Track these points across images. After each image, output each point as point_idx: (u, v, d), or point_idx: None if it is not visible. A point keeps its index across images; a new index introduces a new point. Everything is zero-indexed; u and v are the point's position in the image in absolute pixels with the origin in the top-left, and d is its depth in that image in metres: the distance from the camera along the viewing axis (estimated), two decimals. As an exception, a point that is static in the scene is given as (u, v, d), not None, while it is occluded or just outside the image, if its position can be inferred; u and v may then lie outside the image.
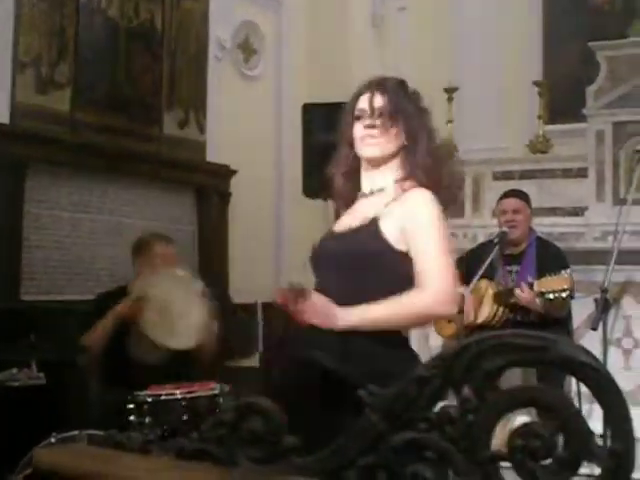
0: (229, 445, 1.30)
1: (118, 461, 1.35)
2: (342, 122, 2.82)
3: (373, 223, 2.64)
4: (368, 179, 2.77)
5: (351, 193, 2.82)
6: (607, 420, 1.14)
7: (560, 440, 1.16)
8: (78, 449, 1.54)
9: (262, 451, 1.29)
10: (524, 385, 1.17)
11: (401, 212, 2.62)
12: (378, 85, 2.73)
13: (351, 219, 2.73)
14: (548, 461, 1.16)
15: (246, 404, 1.30)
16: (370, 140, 2.69)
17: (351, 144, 2.77)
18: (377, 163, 2.74)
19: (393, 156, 2.73)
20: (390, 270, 2.63)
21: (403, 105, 2.69)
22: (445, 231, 2.66)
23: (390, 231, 2.61)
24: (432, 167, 2.69)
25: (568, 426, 1.15)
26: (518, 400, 1.18)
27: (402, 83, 2.78)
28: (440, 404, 1.23)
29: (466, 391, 1.18)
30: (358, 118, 2.73)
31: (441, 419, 1.19)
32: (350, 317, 2.49)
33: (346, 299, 2.55)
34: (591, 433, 1.15)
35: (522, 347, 1.15)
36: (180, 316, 4.31)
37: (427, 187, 2.65)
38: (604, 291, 4.45)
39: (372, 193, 2.74)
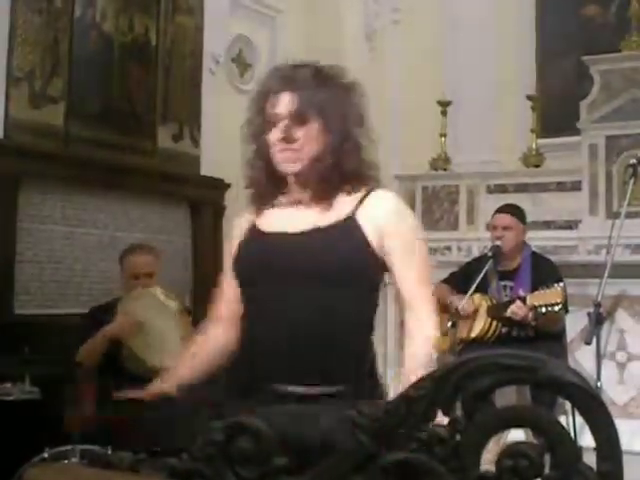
0: (219, 465, 1.30)
1: (108, 481, 1.35)
2: (250, 119, 2.47)
3: (351, 222, 2.34)
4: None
5: (273, 192, 2.48)
6: (595, 440, 1.14)
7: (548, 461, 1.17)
8: (68, 469, 1.53)
9: (252, 471, 1.29)
10: (512, 405, 1.17)
11: (376, 214, 2.35)
12: (289, 82, 2.36)
13: (299, 219, 2.38)
14: (537, 481, 1.16)
15: (236, 423, 1.30)
16: (290, 155, 2.36)
17: (265, 149, 2.42)
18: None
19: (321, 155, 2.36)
20: (368, 283, 2.39)
21: (323, 103, 2.33)
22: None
23: (370, 234, 2.33)
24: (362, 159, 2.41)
25: (556, 446, 1.15)
26: (506, 420, 1.18)
27: (316, 71, 2.40)
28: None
29: (455, 411, 1.18)
30: (272, 123, 2.36)
31: (430, 439, 1.19)
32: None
33: (306, 325, 2.26)
34: (579, 454, 1.15)
35: (511, 367, 1.15)
36: (158, 335, 4.36)
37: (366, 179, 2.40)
38: (597, 305, 4.45)
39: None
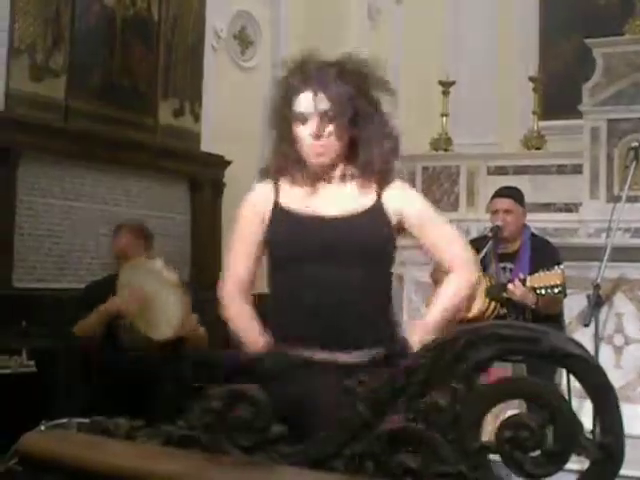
0: (217, 433, 1.30)
1: (104, 447, 1.34)
2: (276, 108, 2.62)
3: (379, 209, 2.58)
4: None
5: (296, 174, 2.62)
6: (597, 413, 1.13)
7: (549, 433, 1.16)
8: (64, 435, 1.53)
9: (250, 439, 1.29)
10: (514, 377, 1.16)
11: (396, 200, 2.58)
12: (317, 81, 2.52)
13: (329, 203, 2.58)
14: (537, 453, 1.16)
15: (234, 392, 1.29)
16: (318, 150, 2.53)
17: (293, 139, 2.58)
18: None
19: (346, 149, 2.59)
20: (390, 262, 2.64)
21: (349, 102, 2.51)
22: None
23: (392, 218, 2.59)
24: (387, 150, 2.61)
25: (557, 418, 1.14)
26: (507, 391, 1.18)
27: (341, 67, 2.55)
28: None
29: (455, 381, 1.17)
30: (300, 119, 2.53)
31: (429, 409, 1.18)
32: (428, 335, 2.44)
33: (351, 300, 2.48)
34: (580, 426, 1.14)
35: (512, 338, 1.15)
36: (159, 308, 4.36)
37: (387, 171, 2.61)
38: (596, 287, 4.44)
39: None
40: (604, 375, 1.13)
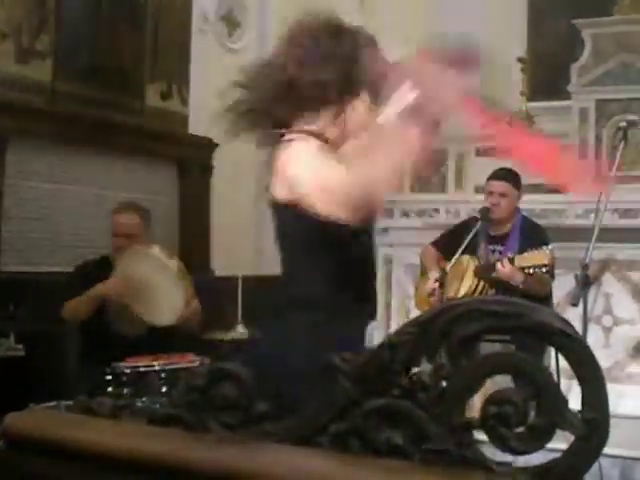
0: (200, 411, 1.29)
1: (88, 426, 1.33)
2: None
3: None
4: None
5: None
6: (582, 388, 1.12)
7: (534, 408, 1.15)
8: (48, 415, 1.52)
9: (234, 417, 1.28)
10: (499, 352, 1.16)
11: None
12: None
13: None
14: (522, 429, 1.15)
15: (218, 369, 1.28)
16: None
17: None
18: None
19: None
20: None
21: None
22: None
23: None
24: None
25: (542, 394, 1.14)
26: (493, 366, 1.17)
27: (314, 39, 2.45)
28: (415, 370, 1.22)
29: (440, 357, 1.16)
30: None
31: (414, 386, 1.18)
32: None
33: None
34: (565, 401, 1.14)
35: (498, 313, 1.14)
36: (161, 294, 4.36)
37: None
38: (585, 267, 4.44)
39: None
40: (589, 351, 1.13)
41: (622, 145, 4.85)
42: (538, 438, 1.14)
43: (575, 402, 1.14)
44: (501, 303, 1.15)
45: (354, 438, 1.21)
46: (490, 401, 1.15)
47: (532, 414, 1.15)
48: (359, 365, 1.20)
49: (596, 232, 4.60)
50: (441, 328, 1.17)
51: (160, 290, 4.37)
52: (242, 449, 1.24)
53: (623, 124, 4.95)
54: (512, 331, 1.16)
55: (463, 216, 6.31)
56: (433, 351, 1.18)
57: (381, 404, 1.19)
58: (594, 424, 1.12)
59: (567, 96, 6.73)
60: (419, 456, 1.17)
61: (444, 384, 1.17)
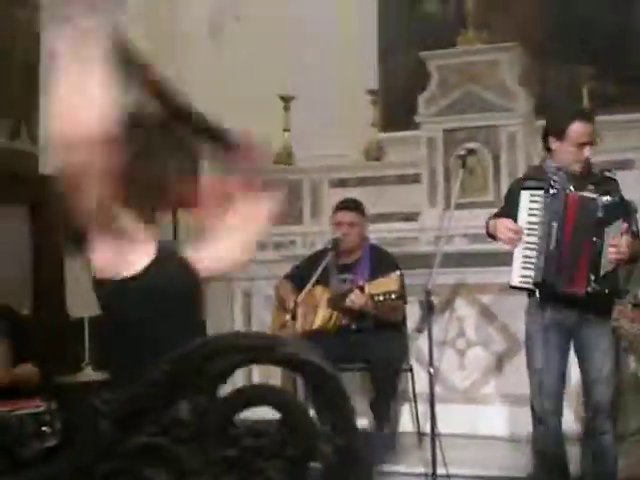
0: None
1: None
2: None
3: None
4: None
5: None
6: (330, 418, 1.16)
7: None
8: None
9: (3, 462, 1.28)
10: (254, 384, 1.19)
11: None
12: None
13: None
14: (278, 461, 1.18)
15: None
16: None
17: None
18: None
19: None
20: None
21: None
22: None
23: None
24: None
25: (295, 425, 1.17)
26: (248, 399, 1.20)
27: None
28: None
29: (196, 393, 1.18)
30: None
31: (173, 423, 1.19)
32: None
33: None
34: (316, 431, 1.17)
35: (249, 348, 1.17)
36: None
37: None
38: (428, 292, 4.56)
39: None
40: (337, 379, 1.17)
41: (462, 172, 5.01)
42: (295, 467, 1.17)
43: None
44: (253, 337, 1.18)
45: (121, 477, 1.22)
46: (245, 433, 1.18)
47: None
48: (119, 405, 1.21)
49: (439, 257, 4.74)
50: (196, 365, 1.19)
51: None
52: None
53: (462, 152, 5.12)
54: (265, 363, 1.19)
55: (319, 247, 6.39)
56: (190, 388, 1.20)
57: (142, 442, 1.21)
58: (344, 451, 1.15)
59: (418, 127, 6.89)
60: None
61: (200, 419, 1.19)
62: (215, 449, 1.19)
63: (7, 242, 6.22)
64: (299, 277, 5.63)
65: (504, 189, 6.40)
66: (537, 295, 4.29)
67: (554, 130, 4.33)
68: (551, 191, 4.21)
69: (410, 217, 6.83)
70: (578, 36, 7.06)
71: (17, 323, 4.66)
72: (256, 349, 1.17)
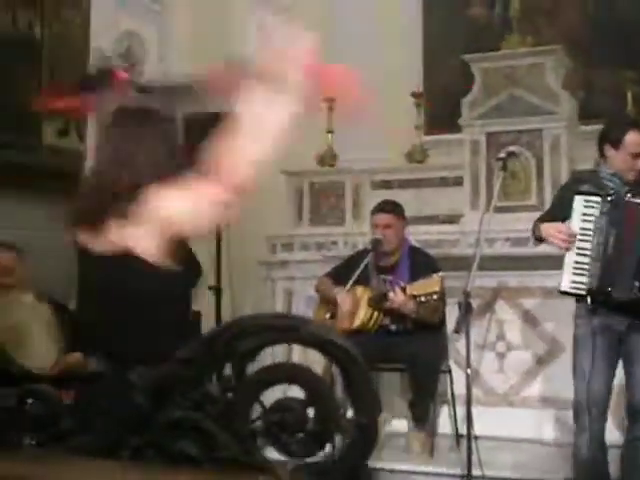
0: (9, 429, 1.34)
1: None
2: None
3: None
4: None
5: None
6: (353, 395, 1.21)
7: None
8: None
9: (41, 434, 1.34)
10: (279, 363, 1.24)
11: None
12: None
13: None
14: (301, 435, 1.23)
15: (26, 390, 1.35)
16: None
17: None
18: None
19: None
20: None
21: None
22: None
23: None
24: None
25: (318, 402, 1.22)
26: (274, 377, 1.25)
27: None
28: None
29: (225, 371, 1.25)
30: None
31: (204, 398, 1.25)
32: None
33: None
34: (339, 408, 1.23)
35: (273, 327, 1.22)
36: (35, 341, 4.40)
37: None
38: (466, 294, 4.58)
39: None
40: (359, 359, 1.22)
41: (502, 174, 5.03)
42: (316, 442, 1.23)
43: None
44: (277, 317, 1.24)
45: (151, 449, 1.28)
46: (272, 409, 1.24)
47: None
48: (153, 380, 1.28)
49: (477, 259, 4.75)
50: (223, 345, 1.25)
51: (33, 337, 4.41)
52: (48, 463, 1.30)
53: (502, 155, 5.15)
54: (290, 342, 1.25)
55: (361, 247, 6.43)
56: (219, 365, 1.26)
57: (175, 417, 1.27)
58: (364, 428, 1.20)
59: (461, 130, 6.92)
60: (209, 464, 1.24)
61: (230, 396, 1.25)
62: (242, 425, 1.24)
63: (54, 238, 6.32)
64: (338, 276, 5.67)
65: (547, 193, 6.45)
66: (588, 301, 4.25)
67: (610, 138, 4.33)
68: (609, 198, 4.19)
69: (452, 219, 6.86)
70: (622, 40, 7.05)
71: (66, 315, 4.75)
72: (282, 329, 1.23)
